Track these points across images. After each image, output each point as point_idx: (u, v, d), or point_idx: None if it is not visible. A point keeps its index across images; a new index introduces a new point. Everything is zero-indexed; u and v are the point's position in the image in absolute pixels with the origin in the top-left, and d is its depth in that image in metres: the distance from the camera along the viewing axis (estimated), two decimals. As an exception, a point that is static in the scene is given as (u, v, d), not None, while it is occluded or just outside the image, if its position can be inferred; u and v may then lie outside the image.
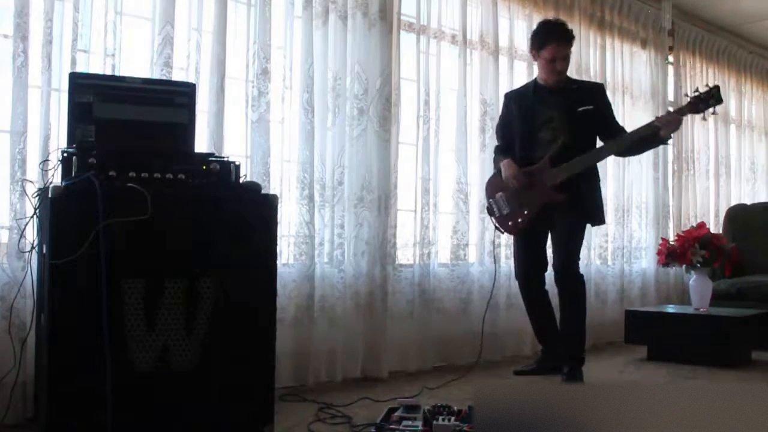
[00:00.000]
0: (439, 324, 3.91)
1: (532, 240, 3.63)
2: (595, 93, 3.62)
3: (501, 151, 3.73)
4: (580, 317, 3.52)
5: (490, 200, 3.68)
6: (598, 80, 4.89)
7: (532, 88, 3.68)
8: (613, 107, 3.73)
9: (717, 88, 3.41)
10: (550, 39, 3.47)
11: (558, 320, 3.61)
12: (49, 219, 2.14)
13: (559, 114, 3.52)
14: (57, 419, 2.12)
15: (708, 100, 3.39)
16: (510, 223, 3.61)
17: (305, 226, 3.38)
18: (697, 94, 3.42)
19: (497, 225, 3.68)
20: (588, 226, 3.71)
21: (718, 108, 3.49)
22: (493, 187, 3.69)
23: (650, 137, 3.43)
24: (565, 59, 3.51)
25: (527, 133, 3.59)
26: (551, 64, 3.49)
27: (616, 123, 3.62)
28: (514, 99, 3.73)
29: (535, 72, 3.77)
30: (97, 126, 2.40)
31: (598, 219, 3.64)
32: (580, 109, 3.49)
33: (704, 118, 3.73)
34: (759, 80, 6.92)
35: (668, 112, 3.46)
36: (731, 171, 6.43)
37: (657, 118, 3.43)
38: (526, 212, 3.53)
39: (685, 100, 3.47)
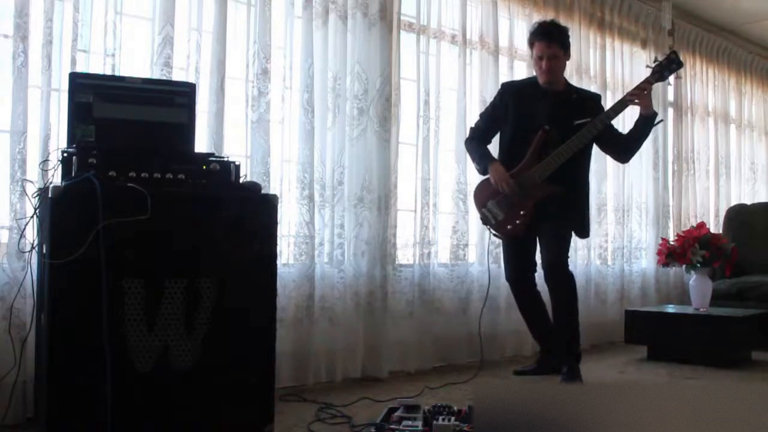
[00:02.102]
0: (438, 324, 3.91)
1: (522, 243, 3.62)
2: (594, 104, 3.64)
3: (477, 140, 3.68)
4: (572, 313, 3.51)
5: (483, 210, 3.60)
6: (598, 80, 4.95)
7: (530, 86, 3.65)
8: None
9: (675, 53, 3.54)
10: (535, 37, 3.55)
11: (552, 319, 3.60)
12: (49, 219, 2.14)
13: (554, 125, 3.50)
14: (57, 419, 2.12)
15: (670, 66, 3.49)
16: (509, 227, 3.54)
17: (305, 226, 3.38)
18: (657, 62, 3.53)
19: (495, 233, 3.62)
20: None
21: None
22: (482, 195, 3.62)
23: (639, 123, 3.50)
24: (554, 59, 3.50)
25: (519, 134, 3.56)
26: (539, 62, 3.53)
27: (616, 131, 3.67)
28: (511, 93, 3.66)
29: (535, 71, 3.77)
30: (97, 126, 2.40)
31: (584, 231, 3.69)
32: (577, 122, 3.48)
33: (669, 83, 3.84)
34: (759, 80, 6.92)
35: (635, 87, 3.53)
36: (731, 171, 6.43)
37: (627, 93, 3.53)
38: (522, 212, 3.50)
39: (647, 71, 3.56)
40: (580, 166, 3.57)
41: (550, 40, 3.51)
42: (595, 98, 3.77)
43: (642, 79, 3.59)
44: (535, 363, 3.79)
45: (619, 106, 3.48)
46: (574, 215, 3.57)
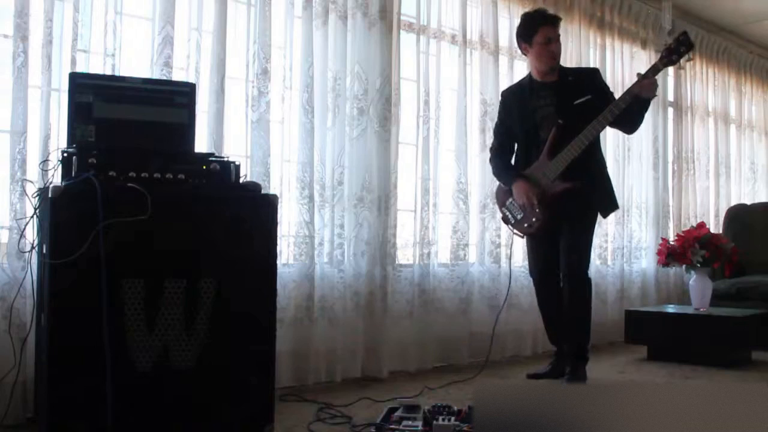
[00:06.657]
0: (439, 324, 3.90)
1: (542, 243, 3.57)
2: (591, 80, 3.56)
3: (500, 156, 3.65)
4: (583, 318, 3.51)
5: (503, 209, 3.62)
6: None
7: (527, 84, 3.60)
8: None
9: (684, 33, 3.37)
10: (541, 22, 3.50)
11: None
12: (49, 219, 2.14)
13: (556, 111, 3.45)
14: (57, 419, 2.12)
15: (679, 48, 3.32)
16: (526, 225, 3.51)
17: (305, 226, 3.38)
18: (666, 46, 3.39)
19: (515, 231, 3.61)
20: (600, 219, 3.66)
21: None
22: (502, 195, 3.63)
23: (635, 104, 3.38)
24: (559, 41, 3.51)
25: (527, 133, 3.53)
26: (546, 47, 3.47)
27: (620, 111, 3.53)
28: (511, 97, 3.67)
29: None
30: (97, 126, 2.40)
31: (609, 207, 3.63)
32: (577, 102, 3.42)
33: (680, 68, 3.66)
34: (759, 80, 6.92)
35: (643, 75, 3.37)
36: (731, 171, 6.43)
37: (634, 84, 3.37)
38: (538, 210, 3.43)
39: (657, 56, 3.41)
40: (591, 153, 3.46)
41: (555, 23, 3.52)
42: (591, 72, 3.71)
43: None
44: (549, 366, 3.70)
45: (628, 97, 3.36)
46: (594, 196, 3.50)
